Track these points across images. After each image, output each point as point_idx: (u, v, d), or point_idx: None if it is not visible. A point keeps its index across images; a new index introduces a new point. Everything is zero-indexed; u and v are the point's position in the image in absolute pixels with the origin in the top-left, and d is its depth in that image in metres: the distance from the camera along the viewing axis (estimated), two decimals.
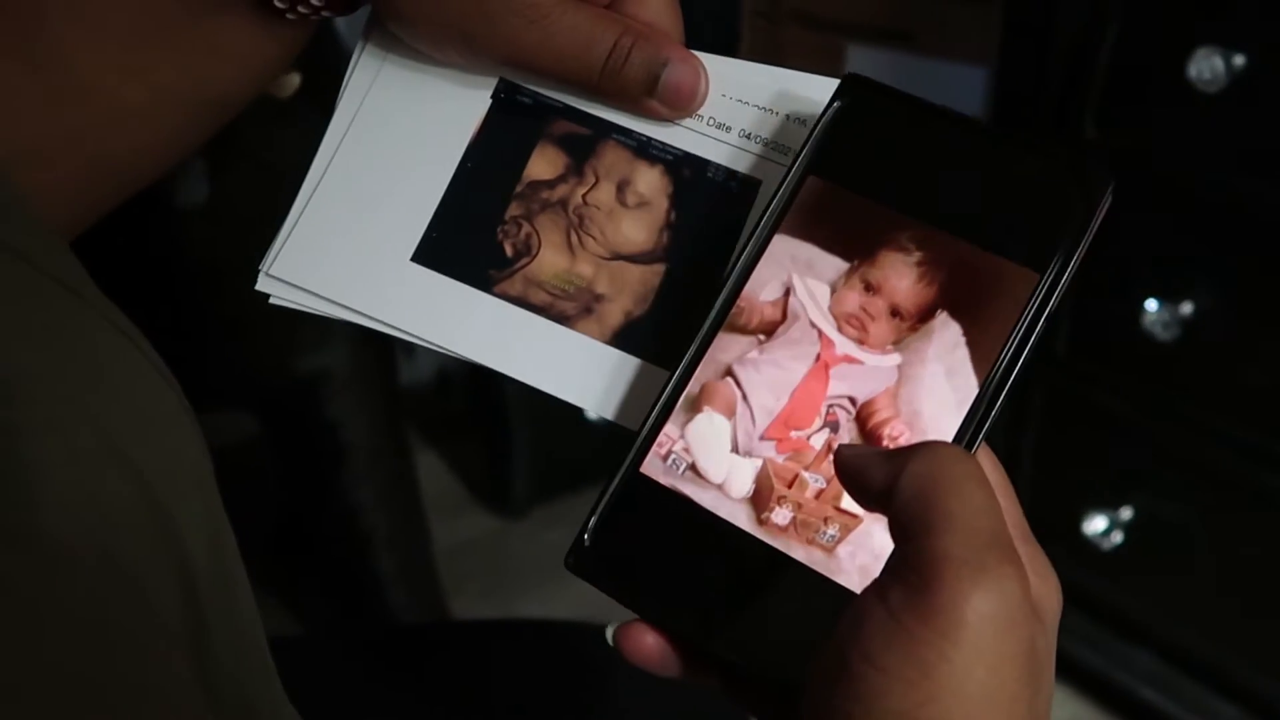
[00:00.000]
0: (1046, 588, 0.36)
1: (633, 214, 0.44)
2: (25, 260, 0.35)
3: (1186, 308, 0.95)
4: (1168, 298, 0.96)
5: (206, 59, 0.43)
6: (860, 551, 0.38)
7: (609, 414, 0.43)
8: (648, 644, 0.38)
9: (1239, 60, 0.87)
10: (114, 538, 0.32)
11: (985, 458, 0.38)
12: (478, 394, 1.37)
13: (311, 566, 1.19)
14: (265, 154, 0.89)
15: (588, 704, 0.62)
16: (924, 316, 0.39)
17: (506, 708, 0.62)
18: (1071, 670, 1.13)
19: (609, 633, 0.38)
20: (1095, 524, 1.06)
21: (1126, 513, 1.06)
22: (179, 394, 0.38)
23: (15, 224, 0.36)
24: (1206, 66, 0.87)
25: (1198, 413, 1.00)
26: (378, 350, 1.09)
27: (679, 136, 0.44)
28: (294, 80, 0.85)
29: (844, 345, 0.40)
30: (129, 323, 0.37)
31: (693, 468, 0.39)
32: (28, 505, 0.31)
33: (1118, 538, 1.06)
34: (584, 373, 0.43)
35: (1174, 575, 1.06)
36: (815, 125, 0.41)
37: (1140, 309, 0.97)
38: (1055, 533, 1.09)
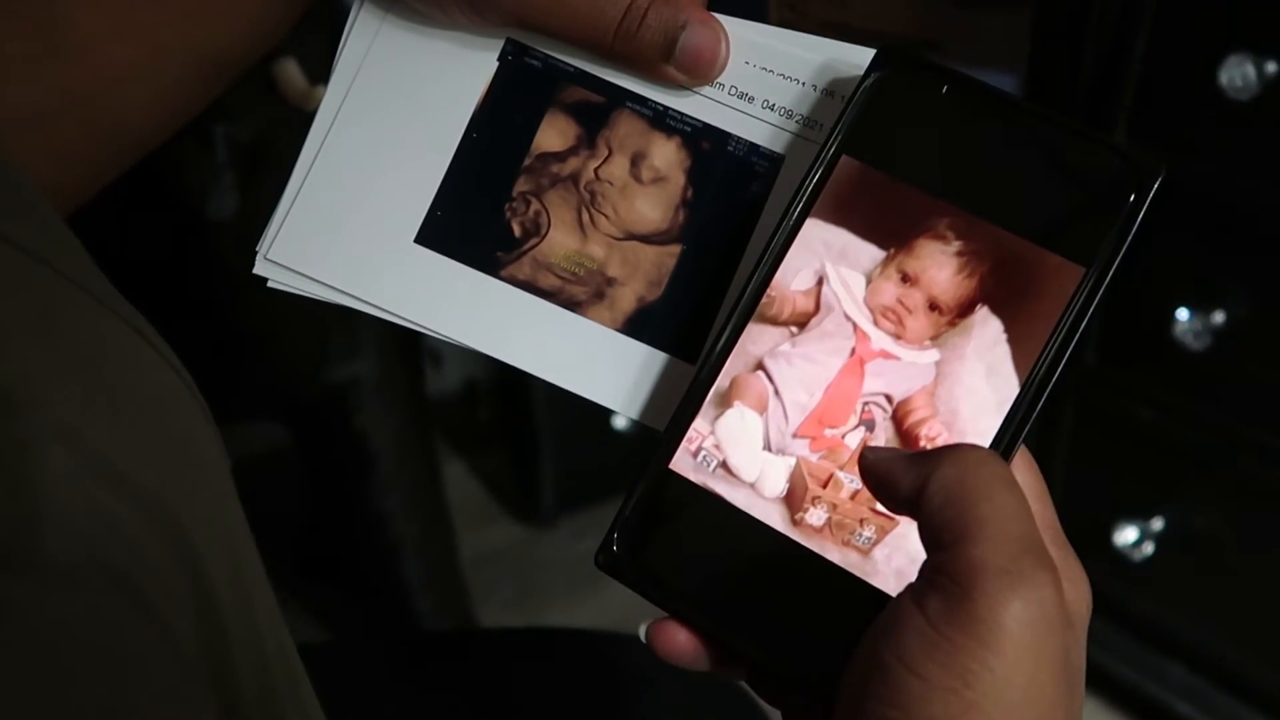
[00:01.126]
0: (1076, 592, 0.35)
1: (647, 190, 0.42)
2: (25, 253, 0.33)
3: (1218, 317, 0.94)
4: (1199, 307, 0.95)
5: (204, 14, 0.42)
6: (896, 554, 0.37)
7: (620, 406, 0.41)
8: (679, 641, 0.38)
9: (1271, 67, 0.86)
10: (123, 556, 0.31)
11: (1022, 459, 0.37)
12: (506, 403, 1.38)
13: (340, 575, 1.20)
14: (293, 166, 0.90)
15: (614, 713, 0.62)
16: (963, 311, 0.38)
17: (533, 716, 0.62)
18: (1104, 683, 1.12)
19: (642, 631, 0.38)
20: (1126, 535, 1.05)
21: (1158, 523, 1.05)
22: (193, 391, 0.36)
23: (14, 215, 0.35)
24: (1238, 74, 0.86)
25: (1230, 422, 0.99)
26: (406, 359, 1.09)
27: (698, 106, 0.41)
28: (320, 93, 0.85)
29: (880, 340, 0.38)
30: (139, 316, 0.35)
31: (724, 465, 0.38)
32: (31, 526, 0.30)
33: (1149, 549, 1.05)
34: (594, 363, 0.41)
35: (1206, 586, 1.05)
36: (850, 99, 0.39)
37: (1171, 318, 0.96)
38: (1086, 544, 1.07)
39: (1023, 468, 0.37)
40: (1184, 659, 1.09)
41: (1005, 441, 0.37)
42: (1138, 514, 1.05)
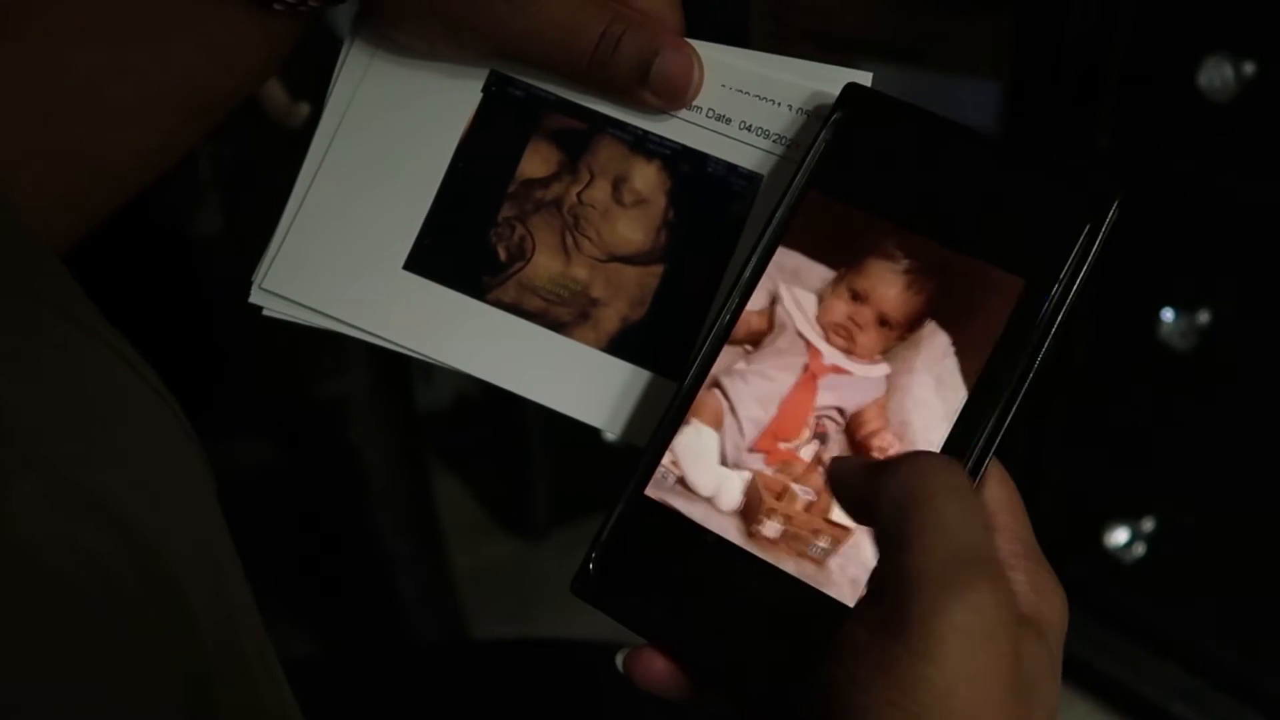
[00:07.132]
0: (1048, 604, 0.35)
1: (629, 213, 0.43)
2: (6, 279, 0.33)
3: (1204, 317, 0.95)
4: (1184, 307, 0.95)
5: (197, 57, 0.42)
6: (851, 564, 0.37)
7: (606, 425, 0.42)
8: (656, 668, 0.37)
9: (1249, 68, 0.86)
10: (95, 588, 0.31)
11: (994, 472, 0.37)
12: (497, 416, 1.37)
13: (333, 592, 1.19)
14: (278, 183, 0.90)
15: None
16: (912, 325, 0.39)
17: None
18: (1098, 684, 1.12)
19: (619, 660, 0.38)
20: (1117, 536, 1.05)
21: (1149, 524, 1.05)
22: (178, 415, 0.36)
23: None
24: (1216, 75, 0.87)
25: (1217, 421, 0.99)
26: (396, 375, 1.09)
27: (677, 130, 0.42)
28: (303, 109, 0.85)
29: (831, 355, 0.39)
30: (124, 341, 0.35)
31: (681, 481, 0.39)
32: (2, 560, 0.29)
33: (1140, 549, 1.06)
34: (580, 383, 0.42)
35: (1199, 586, 1.06)
36: (816, 136, 0.40)
37: (1157, 319, 0.96)
38: (1077, 546, 1.08)
39: (993, 481, 0.37)
40: (1178, 659, 1.09)
41: (965, 451, 0.37)
42: (1129, 515, 1.06)
